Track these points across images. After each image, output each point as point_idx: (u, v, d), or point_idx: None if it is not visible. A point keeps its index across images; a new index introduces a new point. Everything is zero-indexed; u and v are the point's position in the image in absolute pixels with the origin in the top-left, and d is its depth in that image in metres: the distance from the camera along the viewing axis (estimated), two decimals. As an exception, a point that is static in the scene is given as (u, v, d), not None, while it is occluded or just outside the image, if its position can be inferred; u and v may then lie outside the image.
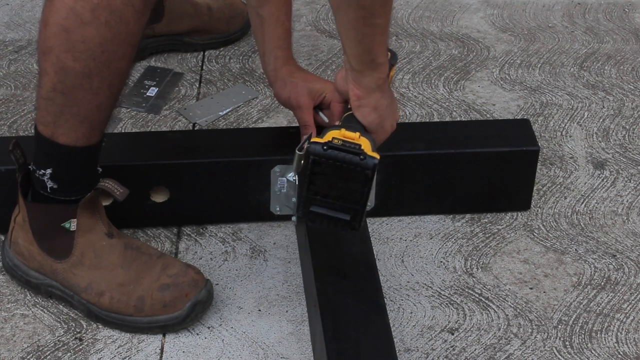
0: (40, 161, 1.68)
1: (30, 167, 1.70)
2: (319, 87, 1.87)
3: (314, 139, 1.51)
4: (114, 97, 1.64)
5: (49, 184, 1.68)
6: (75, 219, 1.69)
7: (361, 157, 1.50)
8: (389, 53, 1.63)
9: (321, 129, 1.89)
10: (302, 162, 1.54)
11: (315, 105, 1.88)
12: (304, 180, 1.53)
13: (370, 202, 1.92)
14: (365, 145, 1.52)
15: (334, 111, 1.74)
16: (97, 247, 1.70)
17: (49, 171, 1.67)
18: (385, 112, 1.62)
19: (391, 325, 1.60)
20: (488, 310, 1.79)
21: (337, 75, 1.68)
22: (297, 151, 1.56)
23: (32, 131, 2.07)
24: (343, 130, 1.53)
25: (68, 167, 1.68)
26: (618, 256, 1.91)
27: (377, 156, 1.51)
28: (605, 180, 2.08)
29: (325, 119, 1.90)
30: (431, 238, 1.93)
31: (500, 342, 1.73)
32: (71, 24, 1.55)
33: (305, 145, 1.54)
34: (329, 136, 1.52)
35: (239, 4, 2.44)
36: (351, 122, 1.59)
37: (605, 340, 1.74)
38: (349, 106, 1.65)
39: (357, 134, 1.53)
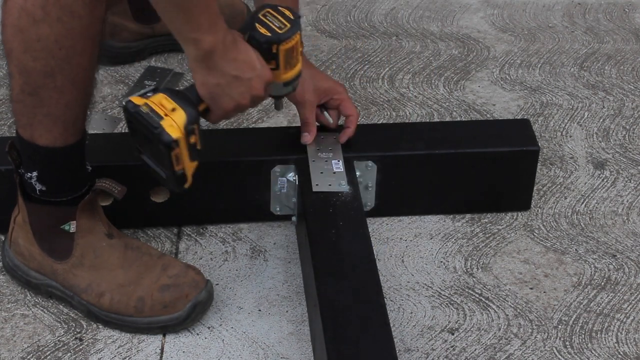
0: (26, 164, 1.67)
1: (20, 170, 1.69)
2: (327, 86, 1.86)
3: (132, 98, 1.58)
4: (81, 94, 1.62)
5: (37, 186, 1.67)
6: (74, 221, 1.69)
7: (156, 130, 1.56)
8: (286, 22, 1.66)
9: (321, 128, 1.90)
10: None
11: (320, 104, 1.88)
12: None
13: (370, 202, 1.92)
14: (178, 118, 1.57)
15: None
16: (97, 248, 1.70)
17: (35, 174, 1.66)
18: (215, 90, 1.60)
19: (391, 325, 1.60)
20: (488, 310, 1.79)
21: None
22: (122, 102, 1.62)
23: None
24: (160, 96, 1.58)
25: (51, 169, 1.67)
26: (618, 256, 1.91)
27: (178, 134, 1.56)
28: (605, 180, 2.08)
29: (330, 120, 1.89)
30: (431, 238, 1.93)
31: (501, 342, 1.73)
32: (24, 24, 1.54)
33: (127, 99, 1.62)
34: (150, 101, 1.58)
35: (239, 4, 2.44)
36: (189, 92, 1.63)
37: (605, 340, 1.74)
38: None
39: (173, 104, 1.58)
